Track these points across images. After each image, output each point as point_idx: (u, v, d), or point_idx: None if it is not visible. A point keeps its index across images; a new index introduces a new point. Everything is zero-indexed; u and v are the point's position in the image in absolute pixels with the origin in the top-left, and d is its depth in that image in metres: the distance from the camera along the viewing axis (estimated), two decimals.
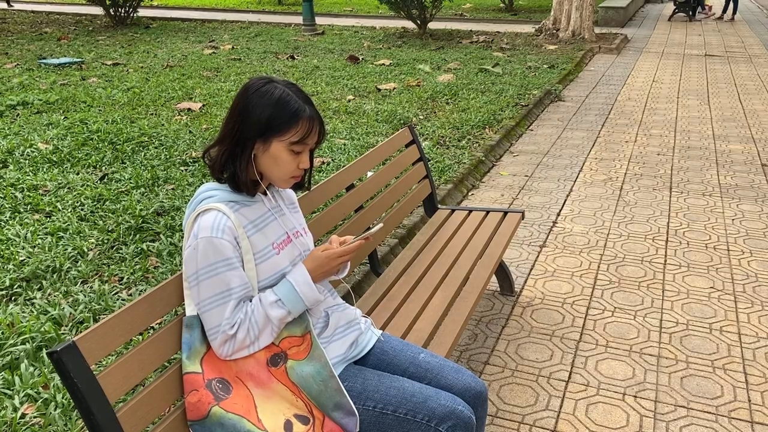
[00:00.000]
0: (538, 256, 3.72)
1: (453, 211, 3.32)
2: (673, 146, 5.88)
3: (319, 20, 14.81)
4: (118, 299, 3.07)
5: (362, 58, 10.16)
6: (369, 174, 4.06)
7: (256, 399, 1.57)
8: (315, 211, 3.17)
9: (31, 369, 2.53)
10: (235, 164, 1.60)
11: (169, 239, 3.66)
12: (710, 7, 16.94)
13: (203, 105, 6.93)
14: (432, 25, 13.45)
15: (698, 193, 4.68)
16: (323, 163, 5.00)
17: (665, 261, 3.64)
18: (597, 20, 14.62)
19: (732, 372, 2.64)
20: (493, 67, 9.39)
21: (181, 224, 3.84)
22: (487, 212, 3.28)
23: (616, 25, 15.00)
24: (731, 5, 16.43)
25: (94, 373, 1.35)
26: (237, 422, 1.51)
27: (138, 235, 3.73)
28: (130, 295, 3.12)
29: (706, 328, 2.96)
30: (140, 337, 2.71)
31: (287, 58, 10.19)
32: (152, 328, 2.74)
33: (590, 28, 12.51)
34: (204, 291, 1.55)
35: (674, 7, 17.03)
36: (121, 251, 3.55)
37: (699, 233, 4.00)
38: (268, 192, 1.71)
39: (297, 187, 1.76)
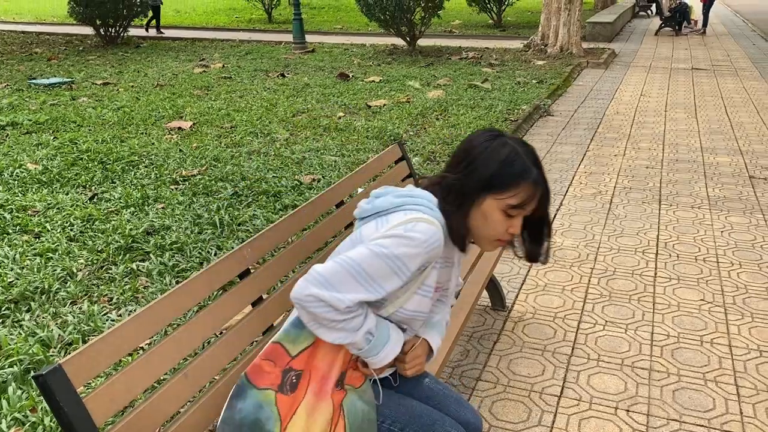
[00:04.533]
0: (529, 271, 3.72)
1: None
2: (661, 159, 5.92)
3: (309, 38, 14.90)
4: (107, 320, 3.04)
5: (352, 76, 10.21)
6: (360, 190, 4.07)
7: (302, 406, 1.48)
8: (305, 228, 3.16)
9: (19, 392, 2.51)
10: (450, 212, 1.52)
11: (159, 258, 3.65)
12: (696, 22, 17.18)
13: (194, 124, 6.93)
14: (421, 42, 13.55)
15: (687, 206, 4.71)
16: (314, 180, 5.00)
17: (655, 274, 3.65)
18: (585, 35, 14.78)
19: (723, 384, 2.64)
20: (482, 82, 9.45)
21: (171, 243, 3.83)
22: None
23: (603, 40, 15.16)
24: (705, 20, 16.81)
25: (82, 395, 1.33)
26: (271, 418, 1.45)
27: (128, 255, 3.71)
28: (120, 315, 3.09)
29: (697, 341, 2.96)
30: (130, 357, 2.69)
31: (278, 76, 10.23)
32: (142, 348, 2.72)
33: (578, 44, 12.63)
34: (376, 268, 1.42)
35: (660, 22, 17.25)
36: (110, 271, 3.53)
37: (688, 246, 4.02)
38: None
39: (532, 258, 1.64)
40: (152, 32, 17.12)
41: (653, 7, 20.70)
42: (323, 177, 5.08)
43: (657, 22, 17.87)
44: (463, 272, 2.77)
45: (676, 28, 16.83)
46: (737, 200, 4.81)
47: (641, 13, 22.38)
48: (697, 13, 17.31)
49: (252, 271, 2.04)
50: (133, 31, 15.71)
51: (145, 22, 17.29)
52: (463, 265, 2.85)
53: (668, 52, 13.46)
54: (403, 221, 1.46)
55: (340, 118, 7.28)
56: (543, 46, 12.87)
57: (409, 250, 1.43)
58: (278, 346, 1.50)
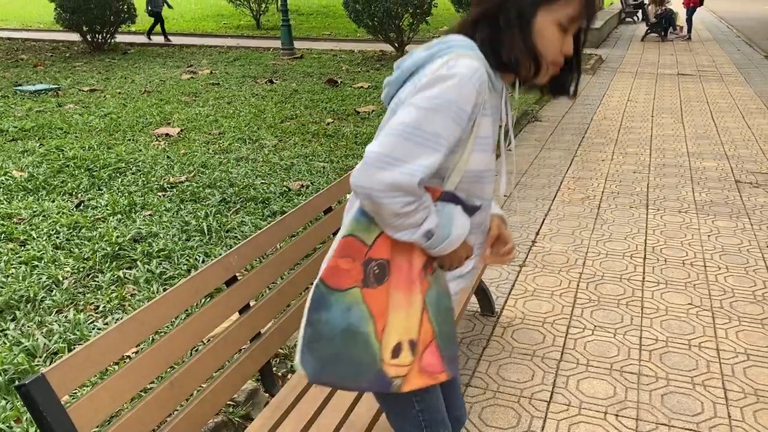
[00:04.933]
0: (518, 276, 3.73)
1: None
2: (648, 164, 5.96)
3: (297, 44, 14.90)
4: (93, 328, 3.01)
5: (341, 82, 10.22)
6: (348, 196, 4.06)
7: (391, 298, 1.34)
8: (294, 234, 3.15)
9: (3, 402, 2.47)
10: (503, 37, 1.33)
11: (146, 266, 3.62)
12: (681, 28, 17.35)
13: (181, 130, 6.90)
14: (410, 48, 13.58)
15: (674, 210, 4.74)
16: (302, 186, 4.99)
17: (643, 278, 3.66)
18: None
19: (712, 388, 2.65)
20: None
21: (158, 250, 3.80)
22: None
23: (590, 46, 15.26)
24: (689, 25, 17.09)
25: (66, 405, 1.31)
26: (364, 319, 1.32)
27: (114, 263, 3.68)
28: (106, 323, 3.06)
29: (685, 345, 2.97)
30: (115, 366, 2.66)
31: (266, 82, 10.22)
32: (127, 357, 2.70)
33: None
34: (430, 122, 1.24)
35: (647, 28, 17.40)
36: (97, 279, 3.50)
37: (676, 250, 4.04)
38: (517, 84, 1.41)
39: (559, 91, 1.48)
40: (156, 39, 17.00)
41: (639, 14, 20.88)
42: (312, 183, 5.07)
43: (643, 28, 18.02)
44: None
45: (662, 34, 16.98)
46: (724, 204, 4.84)
47: (627, 19, 22.57)
48: (682, 19, 17.49)
49: (239, 278, 2.02)
50: (120, 38, 15.65)
51: (146, 30, 17.21)
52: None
53: (654, 58, 13.57)
54: (441, 64, 1.28)
55: (328, 124, 7.28)
56: None
57: (459, 90, 1.25)
58: (351, 238, 1.33)
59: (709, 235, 4.26)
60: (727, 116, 7.93)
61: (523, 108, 8.06)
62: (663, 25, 16.92)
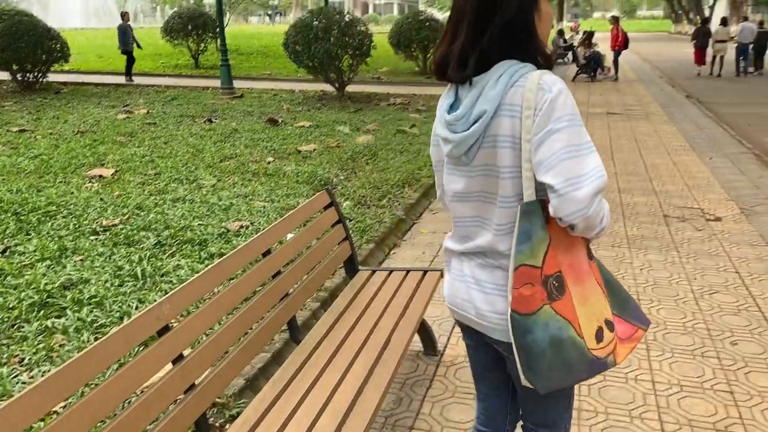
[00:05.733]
0: None
1: (374, 272, 3.31)
2: None
3: (237, 83, 14.85)
4: (17, 383, 2.84)
5: (282, 121, 10.21)
6: (289, 236, 4.01)
7: (573, 299, 1.52)
8: (233, 278, 3.08)
9: None
10: (528, 33, 1.51)
11: (76, 314, 3.46)
12: (609, 69, 18.22)
13: (116, 171, 6.72)
14: (350, 88, 13.75)
15: (608, 245, 4.89)
16: (242, 227, 4.91)
17: None
18: None
19: (648, 420, 2.70)
20: (410, 128, 9.64)
21: (89, 297, 3.64)
22: (408, 272, 3.29)
23: None
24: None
25: None
26: (563, 327, 1.49)
27: (42, 312, 3.50)
28: (32, 377, 2.90)
29: (622, 378, 3.03)
30: (42, 423, 2.51)
31: (205, 122, 10.11)
32: (55, 412, 2.55)
33: None
34: (575, 136, 1.43)
35: (577, 69, 18.20)
36: (23, 329, 3.32)
37: None
38: None
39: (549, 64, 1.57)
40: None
41: (570, 55, 21.85)
42: (252, 224, 5.00)
43: (574, 68, 18.84)
44: (394, 319, 2.76)
45: (592, 74, 17.78)
46: (654, 239, 5.03)
47: (559, 60, 23.54)
48: (610, 60, 18.37)
49: (173, 326, 1.96)
50: (53, 77, 15.23)
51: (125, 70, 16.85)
52: (393, 311, 2.85)
53: (585, 98, 14.15)
54: (535, 89, 1.44)
55: (269, 163, 7.24)
56: None
57: (568, 99, 1.45)
58: (523, 267, 1.49)
59: (641, 269, 4.41)
60: (654, 153, 8.31)
61: None
62: (592, 66, 17.75)
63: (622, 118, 11.31)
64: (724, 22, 19.98)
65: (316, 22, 12.32)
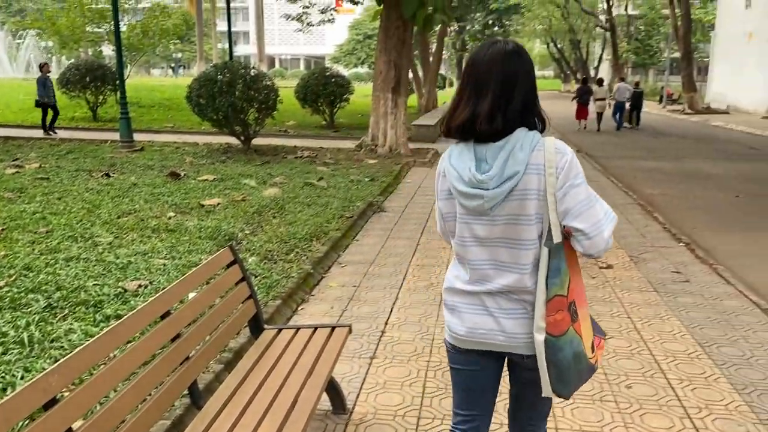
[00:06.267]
0: (368, 369, 3.72)
1: (280, 330, 3.25)
2: None
3: (138, 136, 14.41)
4: None
5: (184, 174, 9.98)
6: (191, 295, 3.87)
7: (581, 319, 1.94)
8: (130, 341, 2.92)
9: None
10: (534, 100, 1.92)
11: None
12: None
13: (2, 230, 6.29)
14: (257, 141, 13.68)
15: None
16: (140, 286, 4.70)
17: None
18: (411, 137, 15.81)
19: None
20: (317, 180, 9.68)
21: None
22: (315, 329, 3.25)
23: (428, 141, 16.32)
24: None
25: None
26: (579, 342, 1.91)
27: None
28: None
29: None
30: None
31: (102, 176, 9.71)
32: None
33: (405, 144, 13.49)
34: (588, 189, 1.88)
35: None
36: None
37: None
38: None
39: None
40: (59, 133, 15.70)
41: None
42: (151, 282, 4.79)
43: None
44: (302, 378, 2.70)
45: None
46: None
47: None
48: None
49: (63, 396, 1.82)
50: None
51: (49, 123, 15.85)
52: (300, 370, 2.79)
53: None
54: (553, 153, 1.86)
55: (170, 218, 7.02)
56: (373, 147, 13.57)
57: (575, 159, 1.89)
58: (556, 298, 1.86)
59: None
60: None
61: (368, 199, 8.33)
62: None
63: None
64: (600, 82, 22.80)
65: (221, 76, 12.26)
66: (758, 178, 11.63)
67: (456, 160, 1.94)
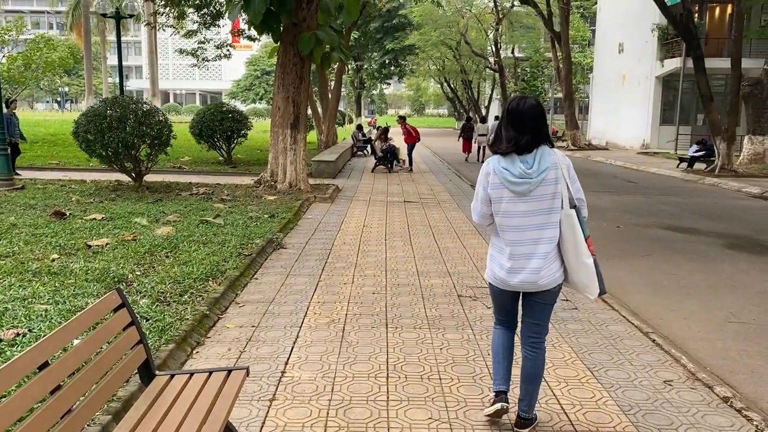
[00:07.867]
0: (268, 412, 3.61)
1: (173, 376, 3.10)
2: (385, 284, 6.40)
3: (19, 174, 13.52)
4: None
5: (70, 213, 9.43)
6: (75, 342, 3.62)
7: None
8: (3, 396, 2.68)
9: None
10: (547, 129, 3.29)
11: None
12: (404, 161, 19.65)
13: None
14: (149, 178, 13.17)
15: (410, 327, 5.09)
16: (17, 335, 4.35)
17: (388, 398, 3.81)
18: (311, 172, 15.82)
19: None
20: (214, 218, 9.43)
21: None
22: (210, 372, 3.12)
23: (328, 177, 16.38)
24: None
25: None
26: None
27: None
28: None
29: None
30: None
31: None
32: None
33: (305, 180, 13.45)
34: (575, 175, 3.32)
35: (375, 161, 19.36)
36: None
37: (414, 366, 4.30)
38: None
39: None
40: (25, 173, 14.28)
41: (368, 148, 23.23)
42: (30, 330, 4.45)
43: (373, 160, 20.01)
44: (196, 426, 2.57)
45: (389, 166, 19.00)
46: (450, 318, 5.35)
47: (359, 152, 24.88)
48: (404, 153, 19.84)
49: None
50: None
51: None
52: (194, 416, 2.66)
53: (384, 187, 15.01)
54: (562, 157, 3.27)
55: (53, 260, 6.58)
56: (273, 183, 13.43)
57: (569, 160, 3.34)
58: (588, 238, 3.24)
59: (441, 348, 4.64)
60: (446, 237, 8.97)
61: (268, 236, 8.20)
62: (389, 159, 19.00)
63: (417, 206, 12.13)
64: (484, 120, 25.92)
65: (110, 111, 11.77)
66: (635, 210, 12.51)
67: (505, 164, 3.20)
